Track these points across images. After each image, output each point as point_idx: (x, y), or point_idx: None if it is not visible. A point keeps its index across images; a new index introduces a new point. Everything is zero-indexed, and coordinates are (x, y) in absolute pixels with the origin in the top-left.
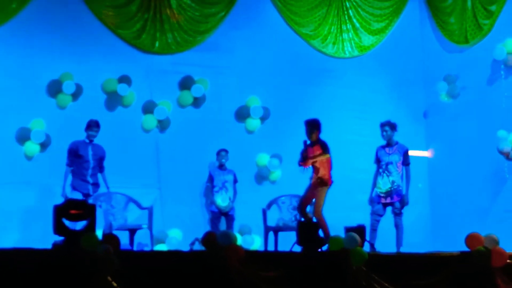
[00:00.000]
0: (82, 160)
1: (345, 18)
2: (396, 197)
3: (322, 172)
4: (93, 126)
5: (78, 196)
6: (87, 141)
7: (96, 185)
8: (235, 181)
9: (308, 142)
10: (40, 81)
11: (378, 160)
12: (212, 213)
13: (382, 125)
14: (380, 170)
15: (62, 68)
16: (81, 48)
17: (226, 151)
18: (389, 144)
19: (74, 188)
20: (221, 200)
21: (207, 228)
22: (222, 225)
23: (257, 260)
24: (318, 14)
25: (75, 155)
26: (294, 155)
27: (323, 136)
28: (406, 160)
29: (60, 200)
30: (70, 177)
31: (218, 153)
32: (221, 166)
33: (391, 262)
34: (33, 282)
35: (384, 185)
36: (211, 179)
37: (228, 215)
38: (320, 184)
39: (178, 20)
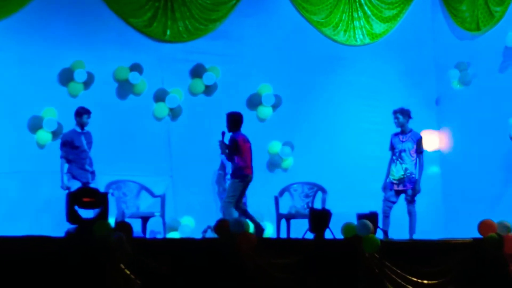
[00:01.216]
0: (79, 150)
1: (357, 6)
2: (409, 185)
3: (235, 166)
4: (85, 112)
5: (77, 184)
6: (79, 130)
7: (94, 173)
8: None
9: (226, 133)
10: (52, 70)
11: (392, 147)
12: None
13: (394, 112)
14: (394, 158)
15: (73, 56)
16: (92, 36)
17: None
18: (403, 131)
19: (73, 177)
20: None
21: (219, 215)
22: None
23: (269, 247)
24: (330, 2)
25: (71, 147)
26: (306, 143)
27: (333, 123)
28: (419, 148)
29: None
30: (66, 167)
31: None
32: None
33: (403, 249)
34: (46, 270)
35: (397, 172)
36: (223, 166)
37: None
38: (232, 176)
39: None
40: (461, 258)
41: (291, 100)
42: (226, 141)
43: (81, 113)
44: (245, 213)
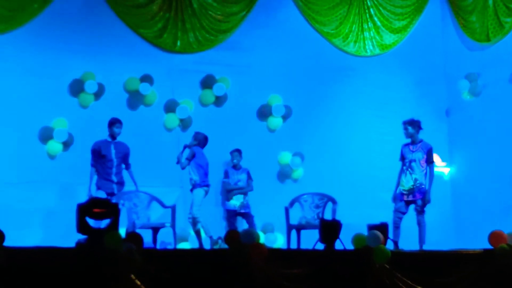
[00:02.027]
0: (105, 160)
1: (367, 17)
2: (418, 195)
3: (192, 177)
4: (116, 122)
5: (102, 195)
6: (110, 139)
7: (121, 184)
8: (249, 179)
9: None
10: (63, 81)
11: (402, 158)
12: (227, 211)
13: (404, 123)
14: (404, 168)
15: (84, 67)
16: (103, 47)
17: (239, 151)
18: (413, 142)
19: (98, 187)
20: (235, 199)
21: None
22: (239, 223)
23: (280, 258)
24: (340, 13)
25: (98, 155)
26: (316, 153)
27: (343, 134)
28: (429, 159)
29: (83, 199)
30: (95, 177)
31: (231, 154)
32: (235, 166)
33: (414, 260)
34: (56, 281)
35: (407, 182)
36: (227, 175)
37: (244, 214)
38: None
39: None
40: (472, 269)
41: (301, 110)
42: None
43: (112, 123)
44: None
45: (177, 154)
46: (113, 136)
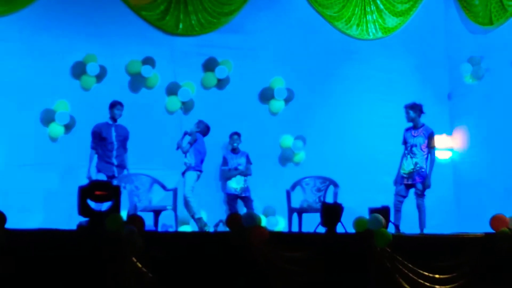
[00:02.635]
0: (106, 142)
1: (369, 0)
2: (418, 179)
3: (187, 160)
4: (117, 104)
5: (102, 178)
6: (111, 122)
7: (121, 166)
8: (249, 162)
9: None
10: (64, 63)
11: (405, 142)
12: (227, 195)
13: (405, 107)
14: (405, 152)
15: (86, 49)
16: (105, 30)
17: (238, 134)
18: (415, 126)
19: (99, 170)
20: (235, 183)
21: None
22: (239, 207)
23: (281, 241)
24: None
25: (99, 138)
26: (318, 137)
27: (345, 117)
28: (430, 143)
29: (84, 181)
30: (95, 159)
31: (231, 137)
32: (234, 150)
33: (415, 243)
34: (57, 263)
35: (407, 166)
36: (225, 162)
37: (244, 197)
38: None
39: None
40: (473, 253)
41: (303, 94)
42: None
43: (113, 105)
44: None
45: (177, 141)
46: (114, 118)
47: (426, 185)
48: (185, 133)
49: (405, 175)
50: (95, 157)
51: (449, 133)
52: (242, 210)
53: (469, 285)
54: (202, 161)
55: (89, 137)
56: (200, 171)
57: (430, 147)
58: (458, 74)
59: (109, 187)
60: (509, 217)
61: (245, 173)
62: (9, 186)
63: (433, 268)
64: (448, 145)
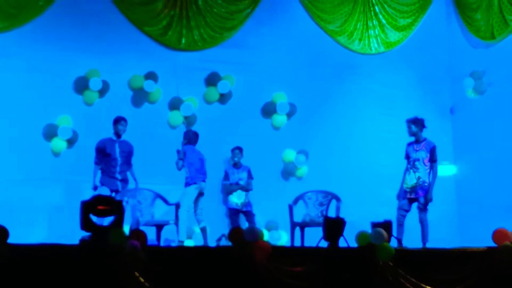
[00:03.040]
0: (110, 158)
1: (371, 14)
2: (421, 193)
3: (185, 175)
4: (121, 120)
5: (106, 191)
6: (114, 138)
7: (125, 181)
8: (250, 177)
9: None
10: (67, 78)
11: (407, 156)
12: (229, 210)
13: (407, 122)
14: (408, 166)
15: (88, 65)
16: (107, 45)
17: (240, 149)
18: (417, 140)
19: (102, 184)
20: (237, 198)
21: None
22: (241, 221)
23: (283, 255)
24: (345, 10)
25: (103, 154)
26: (320, 151)
27: (347, 132)
28: (432, 157)
29: (87, 196)
30: (99, 174)
31: (232, 151)
32: (235, 164)
33: (417, 257)
34: (60, 278)
35: (410, 180)
36: (226, 177)
37: (245, 212)
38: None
39: None
40: (475, 267)
41: (305, 108)
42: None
43: (117, 121)
44: None
45: (175, 161)
46: (118, 134)
47: (428, 199)
48: (178, 151)
49: (408, 190)
50: (99, 172)
51: (451, 147)
52: (244, 224)
53: None
54: (197, 170)
55: (92, 151)
56: (195, 183)
57: (432, 161)
58: (460, 88)
59: (111, 202)
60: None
61: (246, 188)
62: (12, 201)
63: (436, 282)
64: (450, 160)
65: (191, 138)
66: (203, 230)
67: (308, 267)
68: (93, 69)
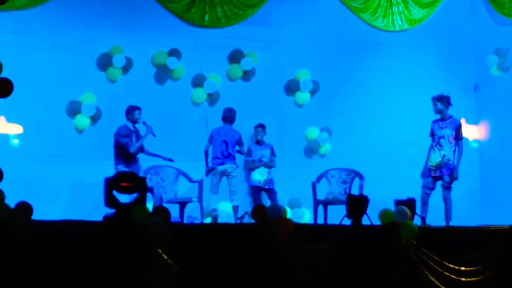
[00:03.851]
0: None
1: None
2: (446, 171)
3: None
4: (136, 109)
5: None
6: (132, 128)
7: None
8: (273, 154)
9: None
10: (90, 55)
11: (432, 134)
12: (251, 187)
13: (433, 99)
14: (433, 144)
15: (112, 41)
16: (131, 21)
17: (263, 126)
18: (442, 118)
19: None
20: (259, 175)
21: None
22: (263, 199)
23: (306, 233)
24: None
25: (121, 147)
26: (343, 129)
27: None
28: (458, 135)
29: (111, 173)
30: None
31: (255, 129)
32: (258, 142)
33: (441, 235)
34: (84, 254)
35: (435, 158)
36: (249, 153)
37: (268, 189)
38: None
39: None
40: (499, 245)
41: (329, 85)
42: None
43: (132, 110)
44: None
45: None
46: (134, 122)
47: (453, 177)
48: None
49: (432, 168)
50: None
51: (476, 124)
52: (266, 202)
53: (495, 278)
54: (217, 157)
55: (115, 128)
56: (213, 168)
57: (458, 139)
58: (484, 66)
59: (135, 179)
60: None
61: (269, 165)
62: (35, 177)
63: (459, 261)
64: (474, 137)
65: (231, 116)
66: (234, 209)
67: (331, 245)
68: (117, 46)
